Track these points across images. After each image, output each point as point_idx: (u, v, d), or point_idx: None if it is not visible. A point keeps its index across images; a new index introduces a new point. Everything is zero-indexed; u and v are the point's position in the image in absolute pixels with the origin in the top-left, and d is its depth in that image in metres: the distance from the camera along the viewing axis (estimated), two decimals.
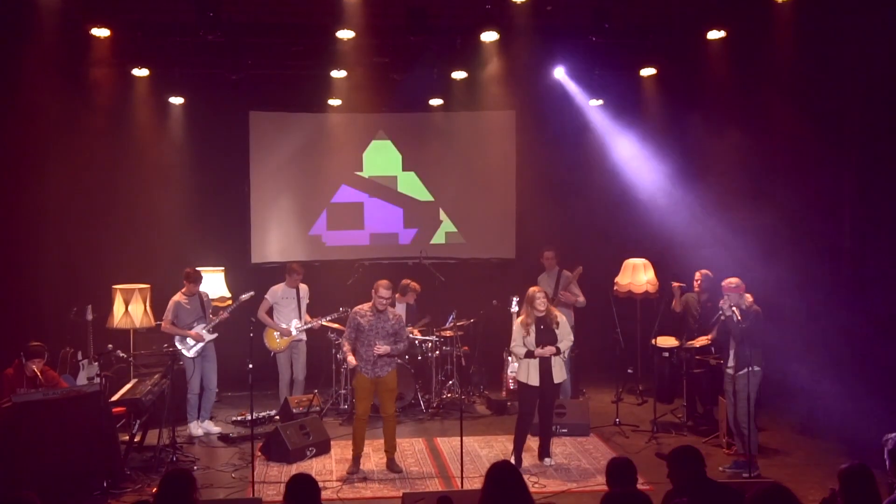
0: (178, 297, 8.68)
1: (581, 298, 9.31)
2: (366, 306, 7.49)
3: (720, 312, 7.40)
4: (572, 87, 10.78)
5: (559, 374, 7.49)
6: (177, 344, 8.57)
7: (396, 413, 9.07)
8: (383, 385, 7.48)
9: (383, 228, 11.89)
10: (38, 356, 7.29)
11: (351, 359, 7.42)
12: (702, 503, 4.35)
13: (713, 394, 8.40)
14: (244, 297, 8.81)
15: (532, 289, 7.57)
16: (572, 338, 7.63)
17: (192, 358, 8.59)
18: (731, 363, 7.40)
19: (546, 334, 7.42)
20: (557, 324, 7.48)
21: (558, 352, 7.41)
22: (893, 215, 7.58)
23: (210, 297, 9.16)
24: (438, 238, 11.90)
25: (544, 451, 7.63)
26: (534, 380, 7.41)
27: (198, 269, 9.05)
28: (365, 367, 7.40)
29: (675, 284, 8.98)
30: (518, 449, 7.53)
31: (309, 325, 9.16)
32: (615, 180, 11.12)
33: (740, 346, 7.23)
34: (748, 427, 7.23)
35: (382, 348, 7.30)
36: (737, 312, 7.18)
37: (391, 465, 7.49)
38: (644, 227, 10.70)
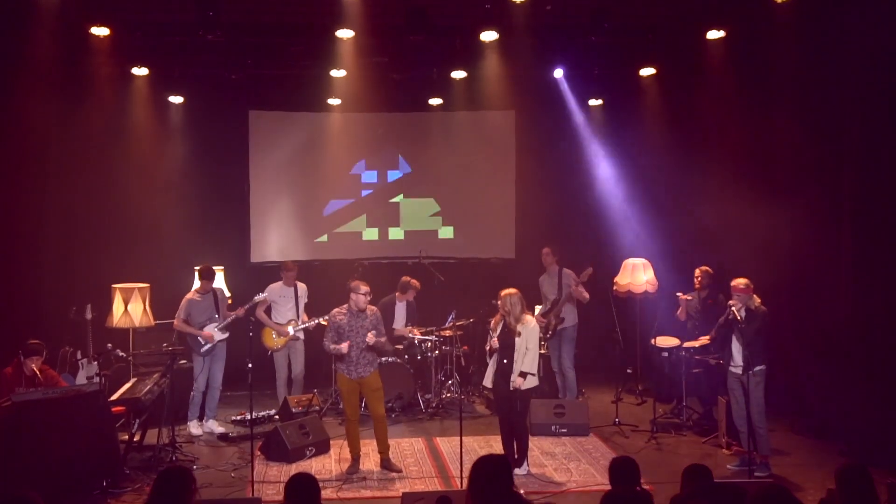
0: (191, 294, 8.69)
1: (586, 295, 9.24)
2: (343, 308, 7.53)
3: (728, 313, 7.28)
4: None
5: (515, 380, 7.14)
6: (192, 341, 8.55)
7: (395, 413, 9.15)
8: (367, 386, 7.48)
9: (383, 227, 11.89)
10: (37, 354, 7.29)
11: (343, 346, 7.31)
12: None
13: (713, 394, 8.40)
14: (258, 297, 8.79)
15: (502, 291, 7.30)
16: (536, 355, 7.17)
17: (203, 356, 8.60)
18: (737, 363, 7.31)
19: (505, 336, 7.20)
20: (519, 333, 7.14)
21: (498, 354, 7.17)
22: (894, 216, 7.57)
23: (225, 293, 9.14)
24: (437, 237, 11.91)
25: (518, 460, 7.30)
26: (487, 380, 7.40)
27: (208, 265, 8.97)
28: (347, 368, 7.42)
29: (682, 296, 8.88)
30: (504, 449, 7.42)
31: (306, 325, 9.14)
32: (614, 180, 11.12)
33: (749, 346, 7.15)
34: (763, 425, 7.20)
35: (371, 335, 7.30)
36: (737, 313, 7.17)
37: (387, 465, 7.49)
38: (643, 227, 10.69)
